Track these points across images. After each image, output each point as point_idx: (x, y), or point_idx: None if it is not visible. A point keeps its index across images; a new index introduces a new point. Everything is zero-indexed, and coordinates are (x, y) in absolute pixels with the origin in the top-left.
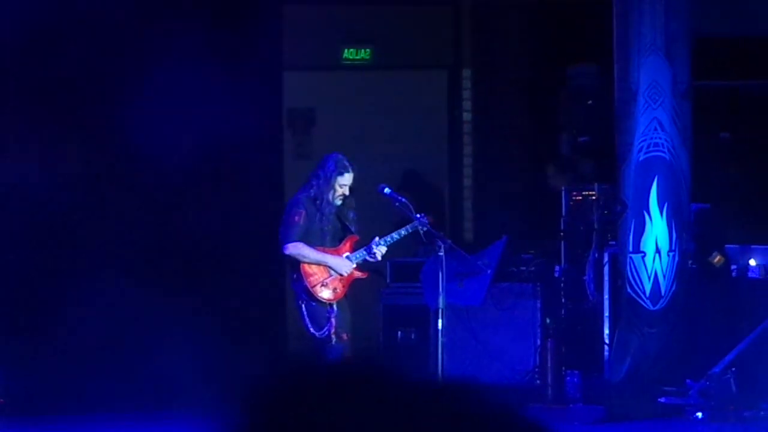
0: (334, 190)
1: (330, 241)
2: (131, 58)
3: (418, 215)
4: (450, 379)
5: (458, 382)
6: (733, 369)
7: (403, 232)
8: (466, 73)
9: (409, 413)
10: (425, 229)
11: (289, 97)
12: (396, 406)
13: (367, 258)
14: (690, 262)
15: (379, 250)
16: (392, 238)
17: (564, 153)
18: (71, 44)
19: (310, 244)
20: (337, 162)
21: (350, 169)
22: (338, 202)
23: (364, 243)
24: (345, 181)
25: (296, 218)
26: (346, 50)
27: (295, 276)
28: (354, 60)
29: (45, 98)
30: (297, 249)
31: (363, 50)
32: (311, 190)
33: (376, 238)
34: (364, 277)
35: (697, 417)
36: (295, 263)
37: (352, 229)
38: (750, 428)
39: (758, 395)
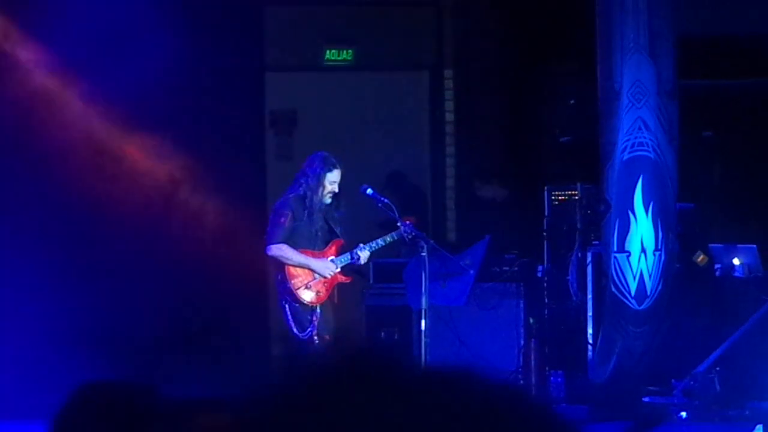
0: (324, 188)
1: (321, 244)
2: (112, 57)
3: (404, 222)
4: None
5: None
6: (718, 368)
7: (388, 238)
8: (448, 73)
9: (408, 404)
10: (411, 236)
11: (271, 98)
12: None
13: (351, 262)
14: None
15: (363, 255)
16: (377, 244)
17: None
18: (64, 46)
19: (301, 246)
20: (324, 159)
21: (338, 166)
22: (327, 200)
23: (350, 246)
24: (334, 178)
25: (282, 220)
26: (328, 51)
27: (279, 277)
28: (336, 61)
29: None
30: (280, 251)
31: (345, 51)
32: (300, 189)
33: (361, 244)
34: (347, 281)
35: (681, 416)
36: (280, 264)
37: (338, 231)
38: (734, 428)
39: (742, 394)
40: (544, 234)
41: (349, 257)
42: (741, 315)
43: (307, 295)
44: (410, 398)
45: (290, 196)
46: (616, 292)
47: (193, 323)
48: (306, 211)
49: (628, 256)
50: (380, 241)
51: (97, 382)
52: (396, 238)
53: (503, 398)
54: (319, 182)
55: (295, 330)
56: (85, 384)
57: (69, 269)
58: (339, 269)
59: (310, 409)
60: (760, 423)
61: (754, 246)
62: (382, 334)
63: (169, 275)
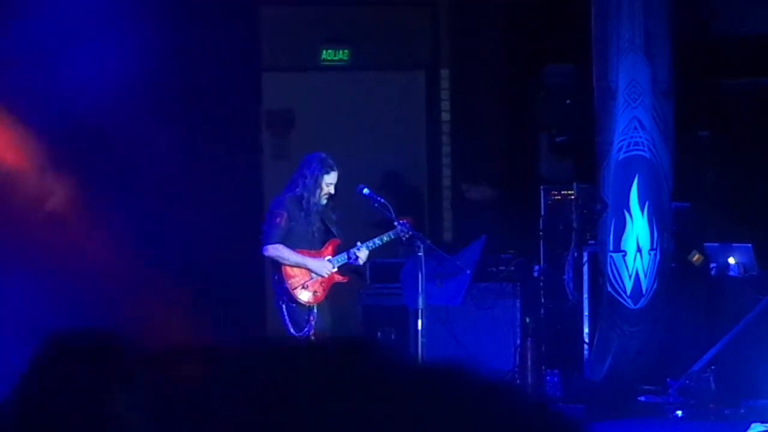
0: (321, 189)
1: (318, 244)
2: (110, 57)
3: (401, 222)
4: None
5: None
6: (713, 367)
7: (385, 238)
8: (444, 73)
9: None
10: (408, 235)
11: (268, 98)
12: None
13: (348, 262)
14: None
15: (362, 254)
16: (374, 243)
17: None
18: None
19: (298, 246)
20: (322, 161)
21: (335, 168)
22: (324, 201)
23: (346, 246)
24: (331, 180)
25: (277, 220)
26: (324, 51)
27: (276, 277)
28: (332, 61)
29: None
30: (277, 251)
31: (341, 51)
32: (297, 189)
33: (358, 243)
34: (344, 280)
35: (676, 415)
36: (277, 264)
37: (335, 231)
38: (729, 426)
39: (738, 393)
40: (541, 233)
41: (346, 257)
42: (736, 314)
43: (304, 295)
44: (402, 392)
45: (287, 196)
46: (612, 292)
47: (190, 320)
48: (303, 212)
49: (623, 256)
50: (377, 240)
51: (71, 330)
52: (393, 237)
53: (494, 393)
54: (316, 183)
55: (292, 330)
56: (59, 332)
57: (60, 273)
58: (336, 269)
59: (288, 369)
60: (755, 421)
61: (750, 245)
62: (379, 334)
63: (165, 275)
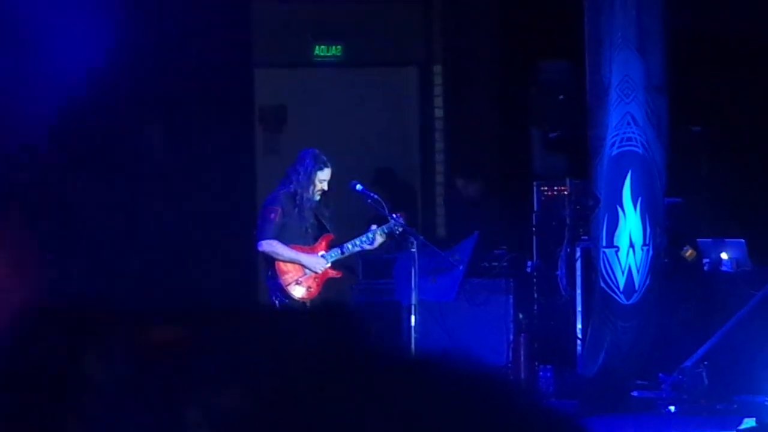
0: (314, 186)
1: (311, 240)
2: (101, 52)
3: (394, 215)
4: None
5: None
6: (706, 363)
7: (379, 231)
8: (437, 69)
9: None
10: (401, 229)
11: (260, 94)
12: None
13: (342, 256)
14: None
15: (354, 250)
16: (368, 238)
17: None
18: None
19: (292, 241)
20: (315, 157)
21: (328, 164)
22: (317, 197)
23: (340, 242)
24: (324, 176)
25: (272, 215)
26: (317, 47)
27: (269, 273)
28: (325, 57)
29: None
30: (271, 246)
31: (334, 47)
32: (291, 186)
33: (373, 226)
34: (338, 275)
35: (669, 411)
36: (270, 260)
37: (329, 228)
38: (722, 421)
39: (730, 388)
40: (533, 229)
41: (340, 252)
42: (729, 309)
43: (297, 291)
44: (395, 379)
45: (281, 192)
46: (605, 287)
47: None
48: (296, 208)
49: (616, 251)
50: (370, 235)
51: (48, 296)
52: (387, 231)
53: (483, 382)
54: (310, 180)
55: None
56: (36, 298)
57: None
58: (329, 264)
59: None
60: (747, 417)
61: (743, 240)
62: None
63: (158, 271)
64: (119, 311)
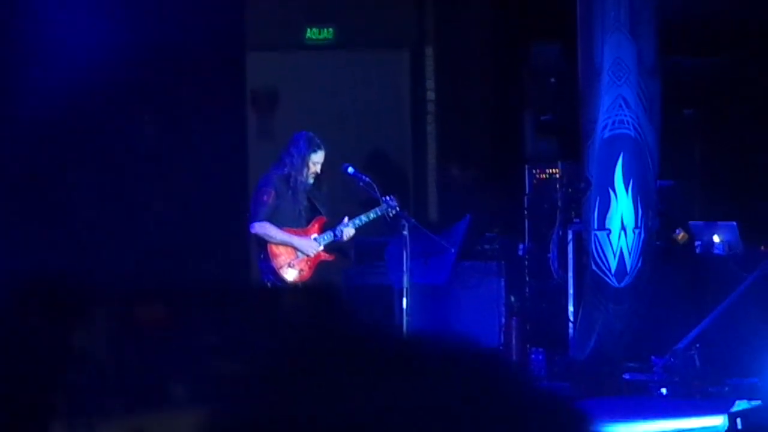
0: (308, 168)
1: (304, 223)
2: (91, 34)
3: (387, 198)
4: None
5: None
6: (698, 345)
7: (371, 215)
8: (429, 51)
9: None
10: (394, 212)
11: (252, 77)
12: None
13: (335, 240)
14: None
15: (347, 232)
16: (360, 220)
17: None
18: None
19: (285, 224)
20: (309, 140)
21: (322, 147)
22: (311, 180)
23: (332, 225)
24: (318, 159)
25: (264, 197)
26: (309, 30)
27: (262, 255)
28: (317, 39)
29: None
30: (263, 229)
31: (326, 30)
32: (284, 168)
33: (345, 220)
34: (330, 259)
35: (661, 393)
36: (263, 242)
37: (322, 211)
38: (714, 404)
39: (722, 371)
40: (525, 212)
41: (332, 235)
42: (721, 292)
43: (290, 274)
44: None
45: (274, 174)
46: (597, 270)
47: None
48: (290, 191)
49: (608, 234)
50: (363, 218)
51: (33, 274)
52: (380, 213)
53: (479, 360)
54: (304, 162)
55: None
56: (22, 277)
57: (38, 232)
58: (322, 247)
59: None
60: (739, 399)
61: (734, 223)
62: (360, 308)
63: (150, 255)
64: (107, 289)
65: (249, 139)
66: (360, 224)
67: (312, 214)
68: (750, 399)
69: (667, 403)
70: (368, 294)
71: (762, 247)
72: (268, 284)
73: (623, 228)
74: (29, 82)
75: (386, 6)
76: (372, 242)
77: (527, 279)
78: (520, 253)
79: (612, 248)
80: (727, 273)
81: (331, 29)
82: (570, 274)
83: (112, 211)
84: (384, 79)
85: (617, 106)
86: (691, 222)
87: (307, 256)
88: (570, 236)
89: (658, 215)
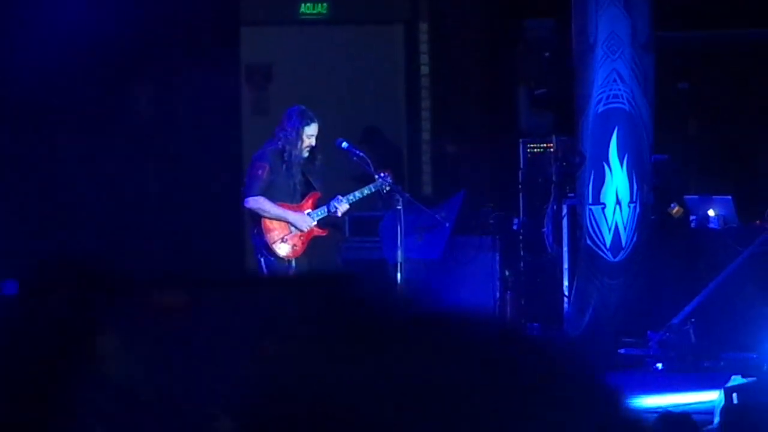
0: (302, 141)
1: (299, 197)
2: (85, 9)
3: (381, 174)
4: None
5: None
6: (693, 320)
7: (366, 191)
8: (423, 27)
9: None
10: (388, 188)
11: (247, 52)
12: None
13: (328, 215)
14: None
15: (341, 208)
16: (354, 196)
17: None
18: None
19: (279, 199)
20: (302, 113)
21: (315, 120)
22: (305, 153)
23: (326, 200)
24: (312, 131)
25: (259, 172)
26: (303, 5)
27: (255, 230)
28: (311, 14)
29: None
30: (258, 203)
31: (320, 4)
32: (279, 143)
33: (338, 196)
34: (323, 234)
35: (657, 368)
36: (257, 217)
37: (315, 185)
38: (709, 378)
39: (717, 345)
40: (520, 187)
41: (326, 210)
42: (716, 266)
43: (283, 249)
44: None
45: (268, 148)
46: (591, 245)
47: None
48: (284, 165)
49: (603, 208)
50: (357, 194)
51: (59, 256)
52: (374, 190)
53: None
54: (298, 135)
55: None
56: (47, 258)
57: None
58: (315, 223)
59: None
60: (735, 374)
61: (729, 197)
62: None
63: (145, 230)
64: (127, 272)
65: (243, 113)
66: (354, 200)
67: (306, 188)
68: (745, 374)
69: (662, 378)
70: (362, 268)
71: (757, 222)
72: (265, 261)
73: (618, 202)
74: (26, 60)
75: None
76: (366, 217)
77: (522, 254)
78: (515, 227)
79: (607, 222)
80: (722, 247)
81: (325, 4)
82: (565, 248)
83: (104, 183)
84: (378, 54)
85: (611, 80)
86: (686, 196)
87: (301, 231)
88: (565, 211)
89: (652, 189)
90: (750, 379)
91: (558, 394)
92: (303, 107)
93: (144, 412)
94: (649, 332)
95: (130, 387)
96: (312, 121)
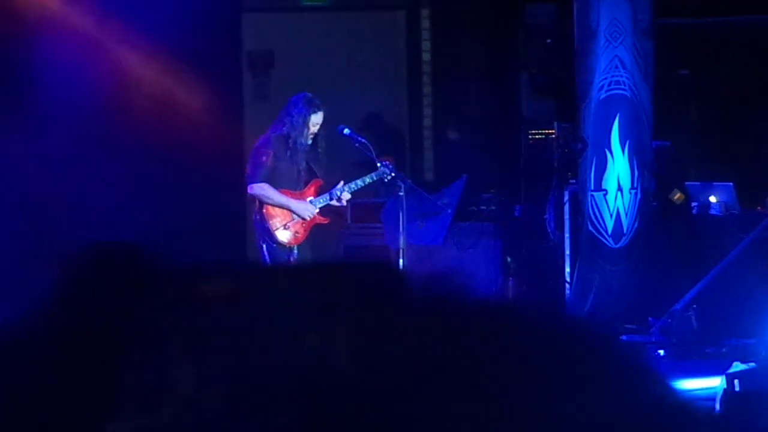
0: (308, 129)
1: (302, 185)
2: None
3: (383, 162)
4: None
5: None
6: (695, 306)
7: (368, 179)
8: (425, 13)
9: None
10: (390, 177)
11: (249, 39)
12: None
13: (331, 203)
14: (651, 199)
15: (344, 196)
16: (356, 185)
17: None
18: None
19: (283, 185)
20: (309, 101)
21: (321, 108)
22: (310, 141)
23: (328, 187)
24: (317, 120)
25: (263, 158)
26: None
27: (258, 217)
28: (313, 1)
29: None
30: (262, 190)
31: None
32: (283, 129)
33: (341, 183)
34: (325, 222)
35: (658, 354)
36: (259, 204)
37: (318, 172)
38: (711, 365)
39: (719, 332)
40: (522, 173)
41: (329, 198)
42: (717, 252)
43: (284, 236)
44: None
45: (273, 135)
46: (593, 231)
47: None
48: (288, 152)
49: (604, 195)
50: (360, 182)
51: (105, 242)
52: (376, 178)
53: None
54: (304, 123)
55: None
56: (93, 244)
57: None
58: (317, 210)
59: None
60: (737, 360)
61: (731, 184)
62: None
63: (146, 217)
64: (173, 262)
65: (245, 100)
66: (356, 188)
67: (309, 175)
68: (747, 360)
69: (664, 365)
70: (365, 255)
71: (759, 208)
72: (266, 247)
73: (620, 189)
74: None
75: None
76: (368, 203)
77: (523, 240)
78: (517, 213)
79: (609, 209)
80: (723, 234)
81: None
82: (566, 235)
83: (106, 171)
84: (380, 40)
85: (613, 66)
86: (687, 183)
87: (303, 219)
88: (566, 197)
89: (653, 176)
90: (750, 364)
91: (610, 379)
92: (310, 95)
93: (194, 401)
94: (650, 318)
95: (179, 378)
96: (319, 109)
